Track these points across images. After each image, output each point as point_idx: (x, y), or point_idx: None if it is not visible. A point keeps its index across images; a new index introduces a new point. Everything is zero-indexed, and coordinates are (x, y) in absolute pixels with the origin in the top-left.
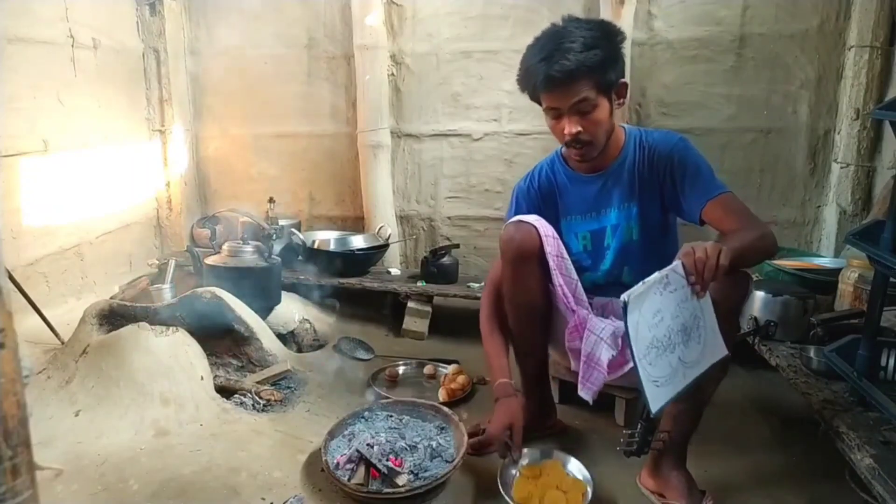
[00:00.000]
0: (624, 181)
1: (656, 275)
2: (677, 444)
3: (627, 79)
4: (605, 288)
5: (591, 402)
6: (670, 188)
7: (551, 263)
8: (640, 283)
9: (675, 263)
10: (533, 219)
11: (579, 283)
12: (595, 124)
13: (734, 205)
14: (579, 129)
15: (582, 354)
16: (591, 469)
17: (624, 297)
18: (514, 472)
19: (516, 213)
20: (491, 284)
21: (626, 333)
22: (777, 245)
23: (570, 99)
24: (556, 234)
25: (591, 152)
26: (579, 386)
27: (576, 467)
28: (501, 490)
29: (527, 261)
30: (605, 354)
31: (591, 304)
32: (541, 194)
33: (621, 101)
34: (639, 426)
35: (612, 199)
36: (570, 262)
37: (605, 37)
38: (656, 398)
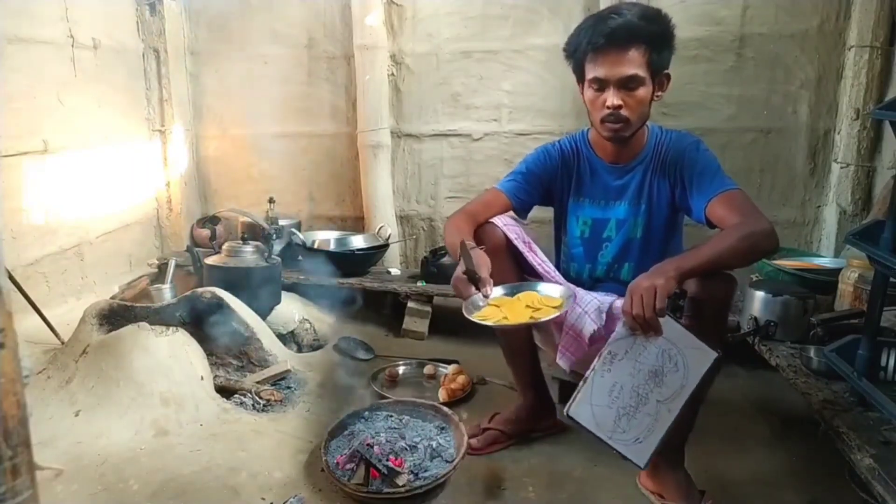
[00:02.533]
0: (639, 179)
1: (594, 365)
2: (674, 445)
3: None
4: (604, 282)
5: (567, 370)
6: (680, 189)
7: (521, 247)
8: (579, 388)
9: (614, 333)
10: (496, 220)
11: (549, 263)
12: (638, 102)
13: (735, 202)
14: (621, 102)
15: (565, 325)
16: (592, 470)
17: (566, 411)
18: (481, 304)
19: (531, 162)
20: (464, 213)
21: (590, 432)
22: (775, 242)
23: (620, 68)
24: (515, 224)
25: (625, 131)
26: (557, 355)
27: (552, 289)
28: (465, 313)
29: (496, 256)
30: (588, 328)
31: None
32: (563, 161)
33: (660, 93)
34: None
35: (626, 194)
36: (538, 248)
37: (663, 19)
38: (641, 453)
